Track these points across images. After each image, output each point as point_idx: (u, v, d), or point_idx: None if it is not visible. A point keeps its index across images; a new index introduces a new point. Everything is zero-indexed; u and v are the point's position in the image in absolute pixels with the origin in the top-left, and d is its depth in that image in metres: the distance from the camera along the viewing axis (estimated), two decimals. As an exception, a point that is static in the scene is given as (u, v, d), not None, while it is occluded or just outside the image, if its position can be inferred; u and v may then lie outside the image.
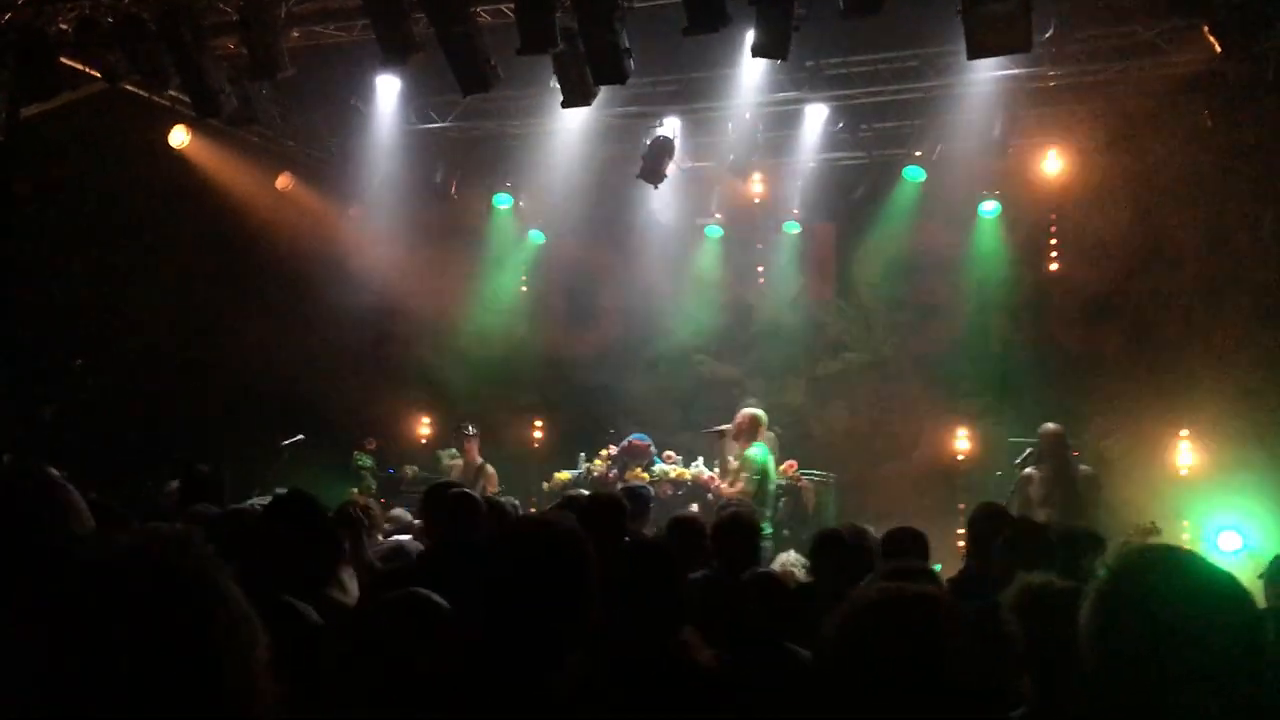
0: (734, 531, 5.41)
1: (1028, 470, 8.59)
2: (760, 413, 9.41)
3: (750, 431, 9.16)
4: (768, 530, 8.57)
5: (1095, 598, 1.72)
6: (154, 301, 10.29)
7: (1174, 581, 1.68)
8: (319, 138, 11.87)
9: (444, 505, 5.25)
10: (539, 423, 13.02)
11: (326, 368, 11.48)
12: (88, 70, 8.99)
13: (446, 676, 2.34)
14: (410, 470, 11.25)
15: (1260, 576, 3.61)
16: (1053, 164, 11.19)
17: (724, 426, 9.65)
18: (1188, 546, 2.73)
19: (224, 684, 1.30)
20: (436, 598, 2.69)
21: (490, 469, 10.32)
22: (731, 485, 9.06)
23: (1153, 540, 5.19)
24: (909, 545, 5.15)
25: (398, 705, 2.44)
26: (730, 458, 9.36)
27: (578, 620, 2.34)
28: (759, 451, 9.08)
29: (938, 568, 7.60)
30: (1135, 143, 10.25)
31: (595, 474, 10.63)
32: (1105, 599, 1.71)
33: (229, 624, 1.32)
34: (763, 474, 8.99)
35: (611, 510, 5.27)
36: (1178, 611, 1.64)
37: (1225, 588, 1.68)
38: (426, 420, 12.66)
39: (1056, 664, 2.45)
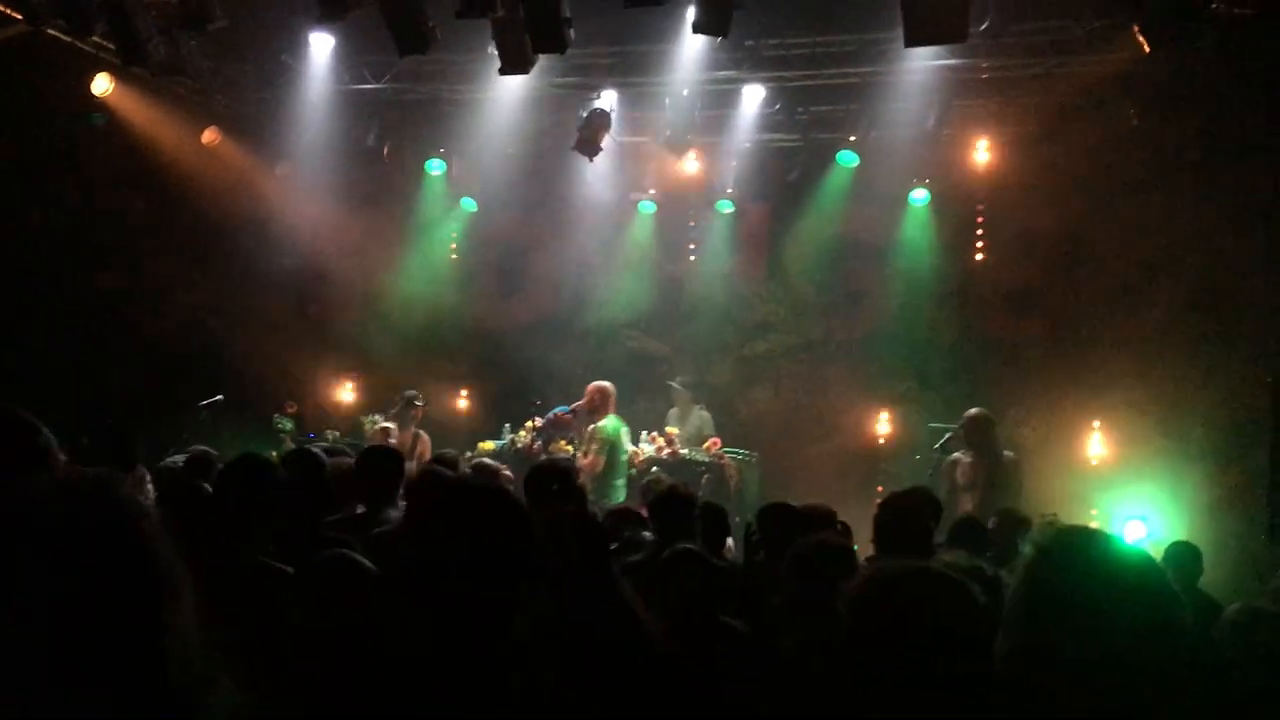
0: (671, 506, 5.44)
1: (955, 455, 8.68)
2: (608, 385, 9.90)
3: (602, 405, 9.66)
4: (619, 499, 9.01)
5: (1023, 574, 1.76)
6: (73, 255, 10.02)
7: (1099, 560, 1.72)
8: (248, 93, 11.60)
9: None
10: (465, 392, 12.93)
11: (249, 329, 11.29)
12: (9, 12, 8.67)
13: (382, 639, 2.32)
14: (331, 435, 11.10)
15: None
16: (982, 155, 11.36)
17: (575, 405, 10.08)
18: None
19: (147, 630, 1.27)
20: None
21: (425, 436, 10.21)
22: (584, 457, 9.44)
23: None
24: (826, 523, 5.22)
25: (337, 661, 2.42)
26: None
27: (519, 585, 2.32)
28: (609, 423, 9.61)
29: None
30: (1063, 138, 10.44)
31: (520, 445, 10.61)
32: (1033, 576, 1.75)
33: (154, 567, 1.29)
34: (612, 445, 9.52)
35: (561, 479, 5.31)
36: (1100, 590, 1.68)
37: (1145, 569, 1.73)
38: (350, 386, 12.49)
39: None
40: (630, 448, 10.01)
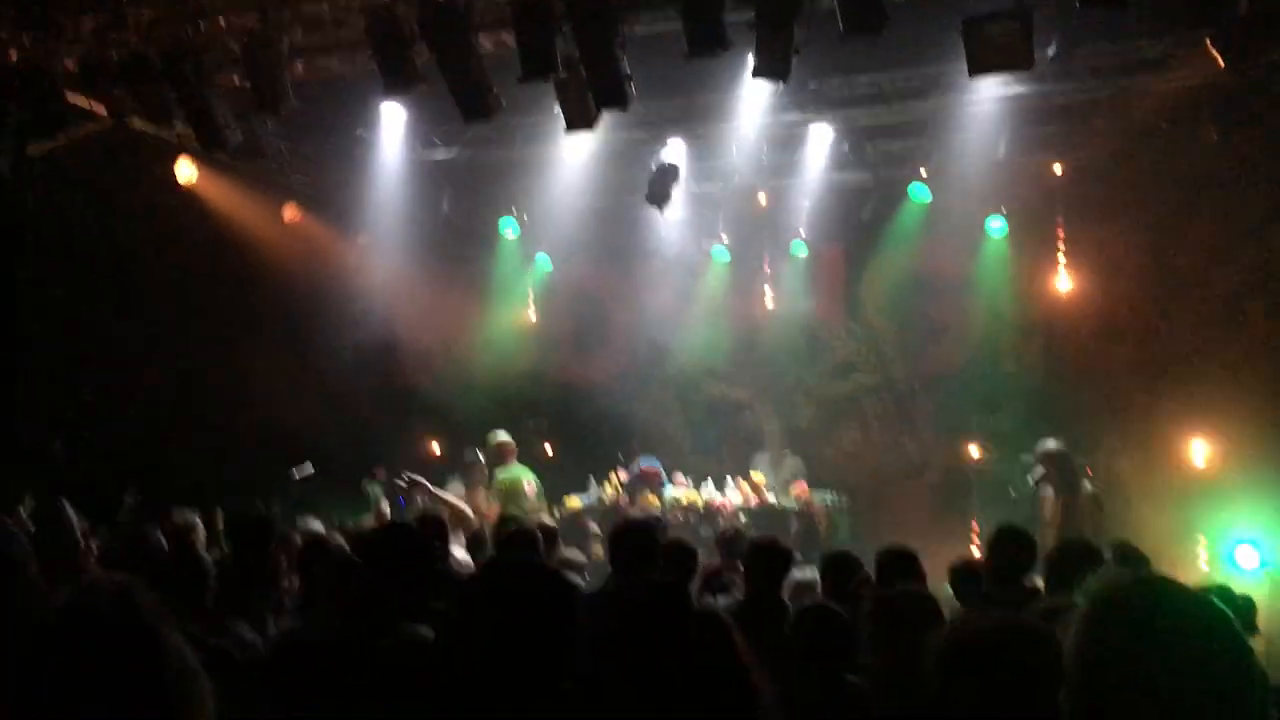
0: (769, 556, 5.35)
1: (1043, 492, 8.49)
2: (502, 435, 10.12)
3: (498, 456, 9.90)
4: None
5: (1075, 629, 1.67)
6: (163, 337, 10.31)
7: (1154, 612, 1.62)
8: (325, 169, 11.89)
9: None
10: (548, 447, 12.98)
11: (336, 400, 11.48)
12: (92, 108, 9.03)
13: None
14: (420, 500, 11.21)
15: None
16: (1058, 181, 11.16)
17: None
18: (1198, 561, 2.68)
19: None
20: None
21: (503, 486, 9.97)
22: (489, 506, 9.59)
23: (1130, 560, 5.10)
24: (904, 565, 5.10)
25: None
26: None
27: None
28: (508, 473, 9.81)
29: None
30: (1140, 159, 10.22)
31: (607, 500, 10.60)
32: (1084, 630, 1.66)
33: (170, 673, 1.30)
34: (508, 494, 9.64)
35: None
36: (1158, 645, 1.58)
37: (1209, 618, 1.62)
38: (436, 448, 12.62)
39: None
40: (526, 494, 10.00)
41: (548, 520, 8.33)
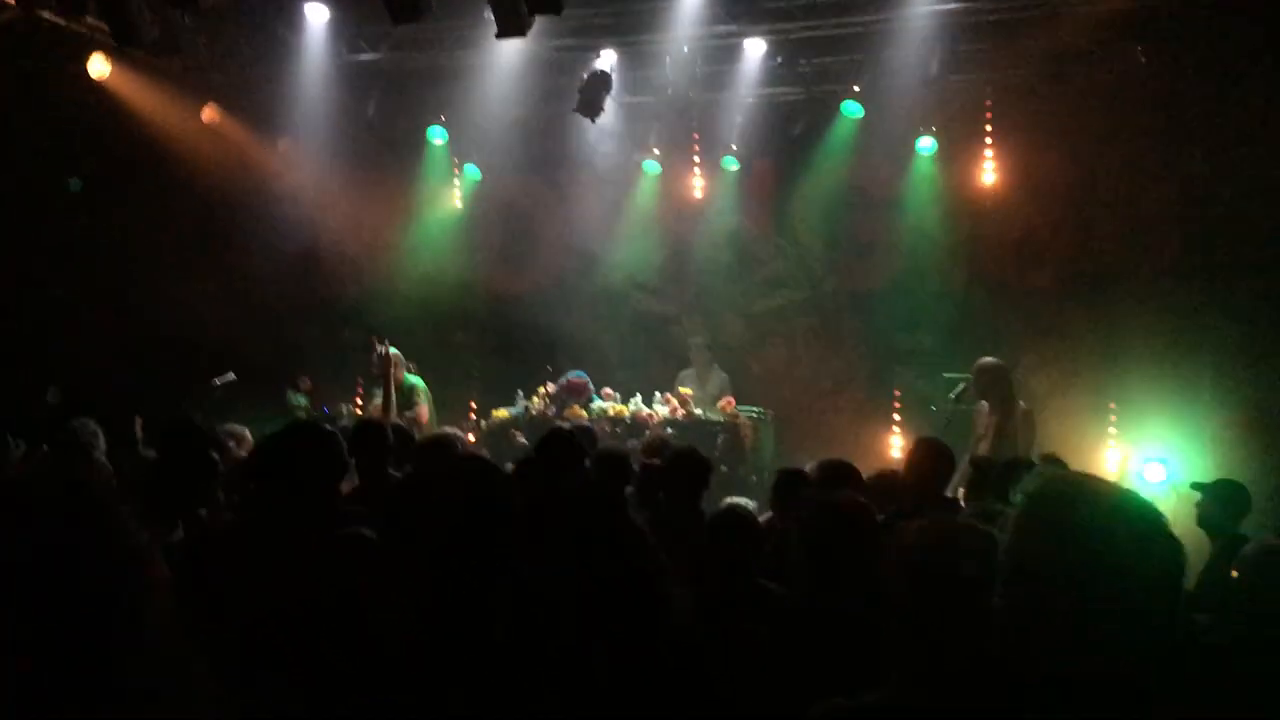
0: (687, 468, 5.42)
1: (976, 405, 8.65)
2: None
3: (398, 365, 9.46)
4: None
5: (1013, 526, 1.71)
6: (76, 241, 10.02)
7: (1092, 509, 1.66)
8: (246, 68, 11.52)
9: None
10: (476, 360, 12.91)
11: (257, 306, 11.27)
12: (1, -2, 8.64)
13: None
14: (344, 408, 11.14)
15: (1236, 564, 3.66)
16: (988, 101, 11.21)
17: None
18: (1109, 476, 2.78)
19: (120, 617, 1.26)
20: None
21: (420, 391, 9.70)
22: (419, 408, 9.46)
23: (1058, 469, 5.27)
24: (845, 476, 5.20)
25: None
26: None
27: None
28: (416, 379, 9.66)
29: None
30: (1071, 81, 10.29)
31: (534, 412, 10.61)
32: (1022, 527, 1.70)
33: (123, 553, 1.28)
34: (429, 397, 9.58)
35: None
36: (1096, 540, 1.62)
37: (1144, 515, 1.67)
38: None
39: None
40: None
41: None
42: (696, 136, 12.55)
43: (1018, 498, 1.73)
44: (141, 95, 10.71)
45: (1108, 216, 10.68)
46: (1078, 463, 7.42)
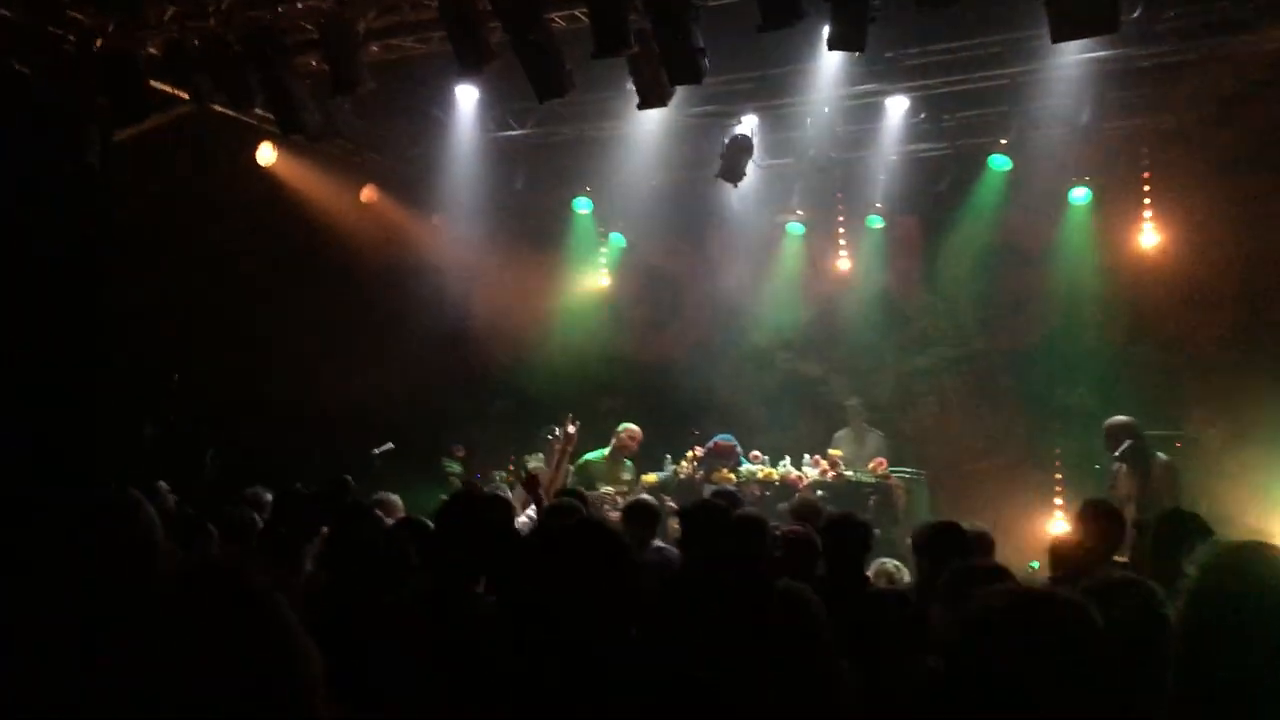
0: (844, 529, 5.30)
1: (1115, 465, 8.37)
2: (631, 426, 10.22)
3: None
4: None
5: (1187, 598, 1.64)
6: (244, 320, 10.49)
7: (1264, 578, 1.59)
8: (401, 149, 12.03)
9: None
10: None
11: (413, 378, 11.61)
12: (176, 92, 9.22)
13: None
14: (497, 475, 11.33)
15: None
16: (1144, 149, 10.86)
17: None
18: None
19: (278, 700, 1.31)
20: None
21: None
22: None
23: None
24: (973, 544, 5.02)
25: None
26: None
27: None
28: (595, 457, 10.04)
29: (1034, 565, 7.45)
30: (1231, 123, 9.88)
31: (682, 476, 10.61)
32: (1195, 599, 1.63)
33: (283, 645, 1.33)
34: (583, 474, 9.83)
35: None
36: (1267, 613, 1.55)
37: None
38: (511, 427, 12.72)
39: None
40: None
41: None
42: (840, 196, 12.51)
43: (1190, 569, 1.66)
44: (305, 179, 11.27)
45: (1275, 264, 10.17)
46: (1250, 526, 7.05)
